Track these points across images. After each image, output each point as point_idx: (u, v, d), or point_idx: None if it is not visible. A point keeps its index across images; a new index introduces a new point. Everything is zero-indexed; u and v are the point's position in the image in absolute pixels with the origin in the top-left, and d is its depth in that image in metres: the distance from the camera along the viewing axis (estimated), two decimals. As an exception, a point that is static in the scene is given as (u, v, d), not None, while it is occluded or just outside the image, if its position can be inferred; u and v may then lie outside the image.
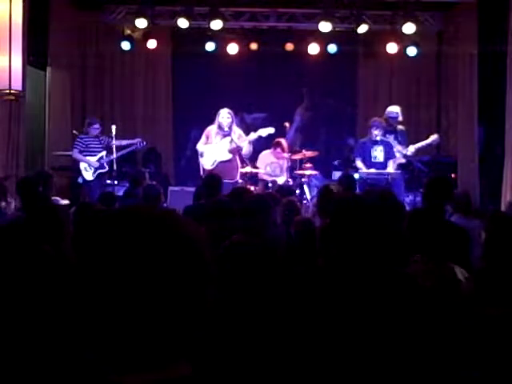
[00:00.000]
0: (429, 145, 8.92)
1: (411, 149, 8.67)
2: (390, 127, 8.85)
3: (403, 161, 8.70)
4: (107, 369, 0.98)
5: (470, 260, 3.43)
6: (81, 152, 8.69)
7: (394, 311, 2.13)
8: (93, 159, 8.68)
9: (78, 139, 8.77)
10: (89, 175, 8.67)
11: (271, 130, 8.60)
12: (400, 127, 8.96)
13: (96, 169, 8.67)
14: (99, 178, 8.71)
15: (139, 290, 0.97)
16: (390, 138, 8.78)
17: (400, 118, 8.97)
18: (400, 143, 8.78)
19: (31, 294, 2.57)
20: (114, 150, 8.71)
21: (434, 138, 8.86)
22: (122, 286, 0.97)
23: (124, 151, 8.91)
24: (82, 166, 8.69)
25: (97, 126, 8.74)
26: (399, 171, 8.56)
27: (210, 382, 1.06)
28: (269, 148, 9.31)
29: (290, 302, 2.29)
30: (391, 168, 8.59)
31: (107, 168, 8.76)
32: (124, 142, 8.96)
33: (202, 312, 1.01)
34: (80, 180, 8.81)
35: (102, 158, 8.70)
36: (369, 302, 2.13)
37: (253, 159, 9.15)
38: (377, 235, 2.25)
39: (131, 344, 0.97)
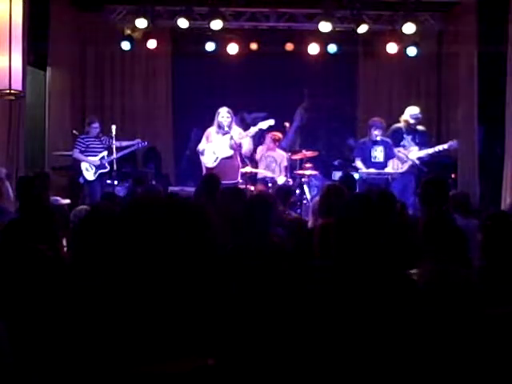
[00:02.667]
0: (446, 150, 8.74)
1: (426, 152, 8.52)
2: (409, 128, 8.73)
3: (417, 162, 8.59)
4: (135, 359, 0.98)
5: (470, 260, 3.44)
6: (82, 152, 8.70)
7: (395, 312, 2.13)
8: (94, 159, 8.69)
9: (79, 139, 8.79)
10: (90, 175, 8.68)
11: (271, 122, 8.57)
12: (420, 128, 8.78)
13: (97, 169, 8.68)
14: (100, 177, 8.73)
15: (169, 285, 0.97)
16: (408, 139, 8.68)
17: (419, 119, 8.83)
18: (418, 144, 8.66)
19: (28, 292, 2.58)
20: (114, 150, 8.72)
21: (451, 143, 8.65)
22: (153, 280, 0.97)
23: (124, 151, 8.92)
24: (84, 166, 8.70)
25: (95, 124, 8.75)
26: (399, 172, 8.53)
27: (232, 372, 1.06)
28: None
29: (292, 301, 2.29)
30: (391, 168, 8.58)
31: (108, 168, 8.77)
32: (124, 143, 8.98)
33: (223, 305, 1.02)
34: (81, 180, 8.81)
35: (103, 157, 8.72)
36: (370, 302, 2.13)
37: (253, 158, 9.15)
38: (381, 236, 2.26)
39: (159, 335, 0.98)
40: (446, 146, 8.65)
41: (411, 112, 8.75)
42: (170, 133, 11.23)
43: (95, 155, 8.70)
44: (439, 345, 2.24)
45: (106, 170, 8.76)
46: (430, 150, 8.59)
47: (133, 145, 9.02)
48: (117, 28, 10.13)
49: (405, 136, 8.68)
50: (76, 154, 8.74)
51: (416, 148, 8.61)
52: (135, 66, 11.04)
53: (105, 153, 8.73)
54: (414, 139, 8.70)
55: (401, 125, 8.74)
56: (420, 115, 8.77)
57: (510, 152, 8.36)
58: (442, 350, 2.23)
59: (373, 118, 8.83)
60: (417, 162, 8.53)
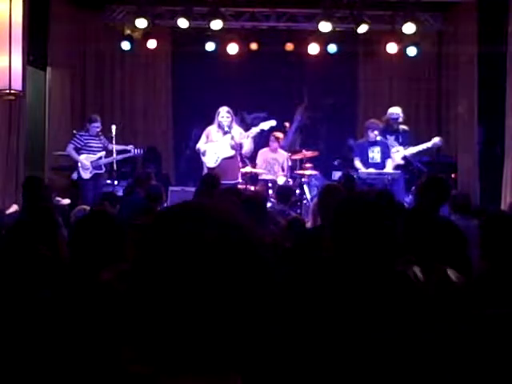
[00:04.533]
0: (430, 148, 8.84)
1: (410, 151, 8.63)
2: (390, 128, 8.85)
3: (401, 162, 8.68)
4: (157, 370, 0.96)
5: (469, 260, 3.43)
6: (78, 149, 8.59)
7: (394, 311, 2.13)
8: (92, 157, 8.61)
9: (77, 136, 8.67)
10: (86, 174, 8.60)
11: (273, 123, 8.58)
12: (403, 127, 8.90)
13: (93, 169, 8.60)
14: (95, 178, 8.62)
15: (203, 293, 0.95)
16: (391, 139, 8.78)
17: (400, 119, 8.95)
18: (401, 144, 8.75)
19: (25, 293, 2.58)
20: (114, 152, 8.69)
21: (435, 141, 8.73)
22: (185, 287, 0.95)
23: (120, 156, 8.86)
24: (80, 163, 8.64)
25: (97, 124, 8.63)
26: (399, 171, 8.56)
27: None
28: (267, 146, 9.33)
29: (290, 300, 2.29)
30: (390, 168, 8.59)
31: (104, 169, 8.70)
32: (119, 148, 8.89)
33: (259, 324, 0.99)
34: (74, 176, 8.75)
35: (101, 158, 8.65)
36: (368, 300, 2.13)
37: (253, 159, 9.15)
38: (378, 235, 2.25)
39: (186, 347, 0.95)
40: (429, 145, 8.72)
41: (391, 112, 8.88)
42: (170, 133, 11.23)
43: (94, 153, 8.62)
44: (437, 345, 2.24)
45: (102, 172, 8.69)
46: (415, 149, 8.65)
47: (128, 151, 8.94)
48: (117, 28, 10.13)
49: (388, 136, 8.76)
50: (69, 149, 8.60)
51: (400, 148, 8.68)
52: (135, 65, 11.04)
53: (103, 153, 8.67)
54: (397, 139, 8.80)
55: (382, 125, 8.80)
56: (401, 115, 8.88)
57: (510, 152, 8.37)
58: (440, 350, 2.23)
59: (369, 120, 8.89)
60: (401, 162, 8.62)
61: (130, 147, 8.98)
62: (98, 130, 8.68)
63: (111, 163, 8.72)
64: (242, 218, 1.02)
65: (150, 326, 0.96)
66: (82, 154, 8.62)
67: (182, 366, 0.96)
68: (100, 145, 8.68)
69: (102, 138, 8.73)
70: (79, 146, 8.60)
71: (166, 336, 0.95)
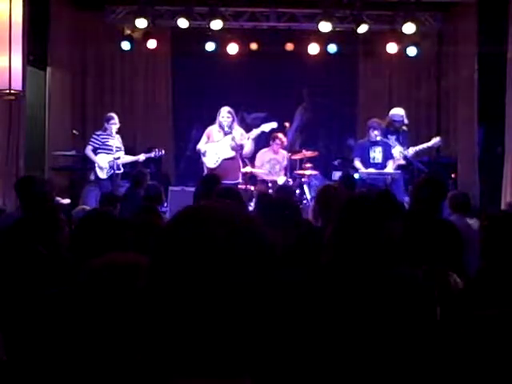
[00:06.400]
0: (430, 147, 8.87)
1: (411, 150, 8.64)
2: (392, 128, 8.83)
3: (403, 162, 8.68)
4: (169, 371, 0.97)
5: (467, 260, 3.43)
6: (96, 149, 8.56)
7: (397, 311, 2.13)
8: (109, 157, 8.54)
9: (95, 136, 8.63)
10: (102, 173, 8.58)
11: (274, 125, 8.57)
12: (403, 128, 8.94)
13: (111, 168, 8.54)
14: (112, 178, 8.59)
15: (213, 295, 0.97)
16: (392, 139, 8.76)
17: (406, 121, 8.95)
18: (402, 144, 8.76)
19: (21, 290, 2.58)
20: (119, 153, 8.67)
21: (435, 140, 8.77)
22: (196, 290, 0.97)
23: (143, 157, 8.81)
24: (97, 163, 8.61)
25: (113, 121, 8.54)
26: (399, 171, 8.56)
27: None
28: (267, 146, 9.33)
29: (291, 303, 2.29)
30: (390, 168, 8.59)
31: (122, 169, 8.66)
32: (142, 158, 8.81)
33: (269, 326, 1.01)
34: (92, 177, 8.74)
35: (119, 157, 8.59)
36: (371, 301, 2.13)
37: (253, 159, 9.15)
38: (380, 235, 2.25)
39: (199, 348, 0.97)
40: (430, 144, 8.75)
41: (394, 113, 8.87)
42: (170, 133, 11.22)
43: (111, 152, 8.52)
44: (439, 345, 2.24)
45: (120, 171, 8.61)
46: (415, 149, 8.66)
47: (150, 151, 8.92)
48: (117, 28, 10.13)
49: (389, 136, 8.76)
50: (87, 151, 8.60)
51: (401, 148, 8.69)
52: (135, 65, 11.04)
53: (121, 153, 8.61)
54: (397, 139, 8.81)
55: (384, 125, 8.81)
56: (405, 118, 8.87)
57: (510, 152, 8.37)
58: (442, 350, 2.23)
59: (371, 120, 8.87)
60: (403, 161, 8.64)
61: (153, 153, 8.92)
62: (111, 127, 8.52)
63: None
64: (248, 218, 1.04)
65: (166, 326, 0.98)
66: (100, 153, 8.54)
67: (195, 369, 0.97)
68: (118, 144, 8.60)
69: (119, 137, 8.66)
70: (97, 145, 8.53)
71: (180, 337, 0.97)
